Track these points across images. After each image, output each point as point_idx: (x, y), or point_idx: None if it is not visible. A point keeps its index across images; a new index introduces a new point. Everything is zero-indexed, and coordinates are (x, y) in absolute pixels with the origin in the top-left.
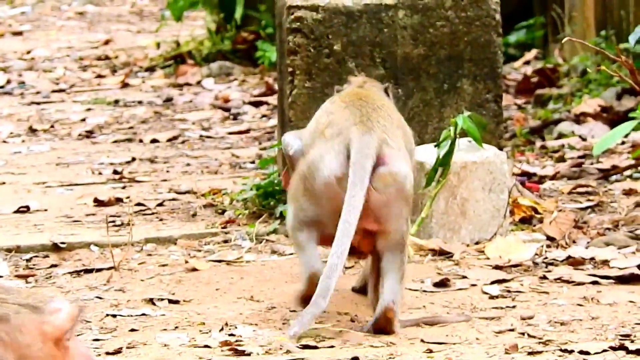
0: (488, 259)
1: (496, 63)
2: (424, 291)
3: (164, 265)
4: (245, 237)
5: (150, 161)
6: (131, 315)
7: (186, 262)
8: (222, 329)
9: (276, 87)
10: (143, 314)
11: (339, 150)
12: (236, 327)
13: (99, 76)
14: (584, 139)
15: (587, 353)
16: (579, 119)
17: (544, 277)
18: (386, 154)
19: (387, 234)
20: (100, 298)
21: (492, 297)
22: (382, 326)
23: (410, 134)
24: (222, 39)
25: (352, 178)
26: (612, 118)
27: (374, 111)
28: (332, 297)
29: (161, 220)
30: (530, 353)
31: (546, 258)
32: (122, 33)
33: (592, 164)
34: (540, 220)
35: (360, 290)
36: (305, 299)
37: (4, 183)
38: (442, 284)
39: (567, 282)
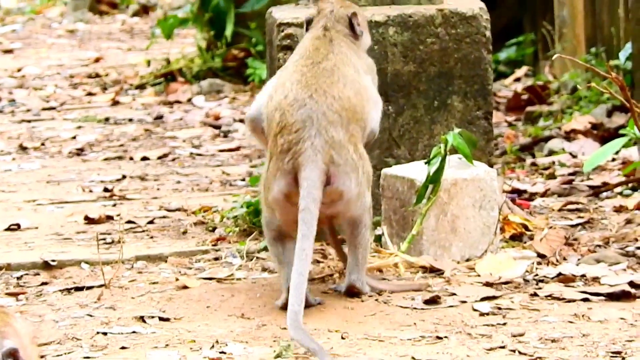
0: (479, 276)
1: (486, 80)
2: (414, 308)
3: (154, 283)
4: (236, 254)
5: (140, 179)
6: (122, 333)
7: (177, 279)
8: (212, 347)
9: None
10: (134, 332)
11: (287, 171)
12: (227, 345)
13: (90, 94)
14: (574, 156)
15: None
16: (569, 136)
17: (535, 294)
18: (332, 173)
19: (342, 219)
20: (90, 316)
21: (482, 315)
22: (351, 296)
23: (369, 85)
24: (212, 57)
25: (301, 227)
26: (602, 135)
27: (322, 80)
28: (323, 314)
29: (152, 237)
30: None
31: (537, 275)
32: (112, 51)
33: (582, 181)
34: (531, 238)
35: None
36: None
37: None
38: (433, 301)
39: (558, 299)
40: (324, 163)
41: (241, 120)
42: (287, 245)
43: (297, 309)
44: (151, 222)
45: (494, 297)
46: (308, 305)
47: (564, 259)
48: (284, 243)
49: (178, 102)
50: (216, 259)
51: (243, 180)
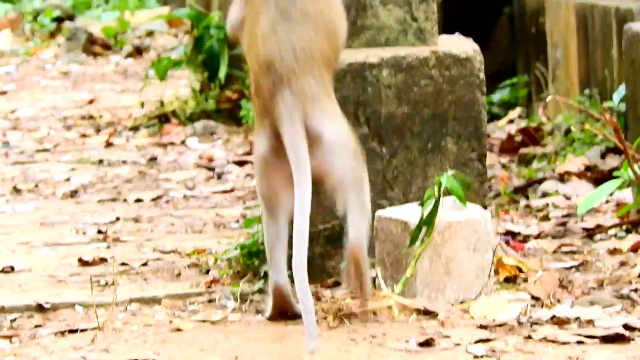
0: (473, 318)
1: (480, 122)
2: (409, 351)
3: (148, 325)
4: (230, 296)
5: (134, 221)
6: None
7: (170, 322)
8: None
9: None
10: None
11: (269, 132)
12: None
13: (83, 136)
14: (568, 198)
15: None
16: (563, 177)
17: (529, 337)
18: (309, 125)
19: (333, 177)
20: (84, 358)
21: (476, 357)
22: (353, 272)
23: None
24: (206, 98)
25: (295, 177)
26: (596, 177)
27: (291, 34)
28: (316, 356)
29: (145, 280)
30: None
31: (531, 317)
32: (106, 92)
33: (576, 222)
34: (525, 280)
35: None
36: (277, 316)
37: None
38: (427, 343)
39: (552, 341)
40: (299, 118)
41: (235, 162)
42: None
43: (302, 260)
44: (145, 264)
45: (488, 340)
46: None
47: (558, 301)
48: (277, 220)
49: (172, 143)
50: (210, 301)
51: (237, 222)
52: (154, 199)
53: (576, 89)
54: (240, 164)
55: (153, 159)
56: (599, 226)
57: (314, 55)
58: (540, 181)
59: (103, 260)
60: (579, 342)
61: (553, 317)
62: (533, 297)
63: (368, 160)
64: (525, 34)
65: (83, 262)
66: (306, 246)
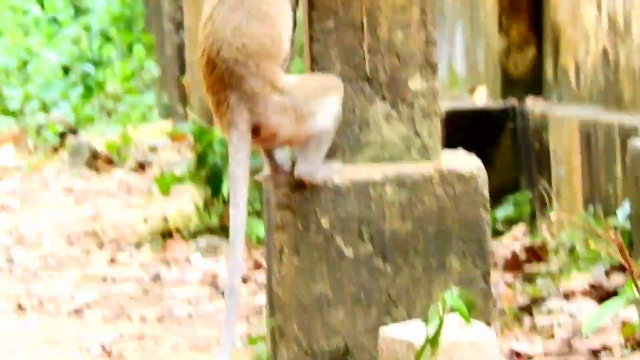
0: None
1: (484, 240)
2: None
3: None
4: None
5: (138, 339)
6: None
7: None
8: None
9: (264, 263)
10: None
11: (220, 127)
12: None
13: (87, 252)
14: (572, 317)
15: None
16: (567, 296)
17: None
18: (256, 123)
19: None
20: None
21: None
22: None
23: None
24: (209, 214)
25: (231, 197)
26: (601, 295)
27: (227, 32)
28: None
29: None
30: None
31: None
32: (109, 208)
33: (581, 341)
34: None
35: None
36: None
37: None
38: None
39: None
40: (243, 121)
41: None
42: None
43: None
44: None
45: None
46: None
47: None
48: None
49: (175, 260)
50: None
51: (241, 340)
52: (158, 317)
53: (580, 206)
54: (244, 281)
55: (157, 276)
56: (605, 347)
57: (251, 49)
58: (544, 299)
59: None
60: None
61: None
62: None
63: (372, 278)
64: (528, 150)
65: None
66: (240, 267)
